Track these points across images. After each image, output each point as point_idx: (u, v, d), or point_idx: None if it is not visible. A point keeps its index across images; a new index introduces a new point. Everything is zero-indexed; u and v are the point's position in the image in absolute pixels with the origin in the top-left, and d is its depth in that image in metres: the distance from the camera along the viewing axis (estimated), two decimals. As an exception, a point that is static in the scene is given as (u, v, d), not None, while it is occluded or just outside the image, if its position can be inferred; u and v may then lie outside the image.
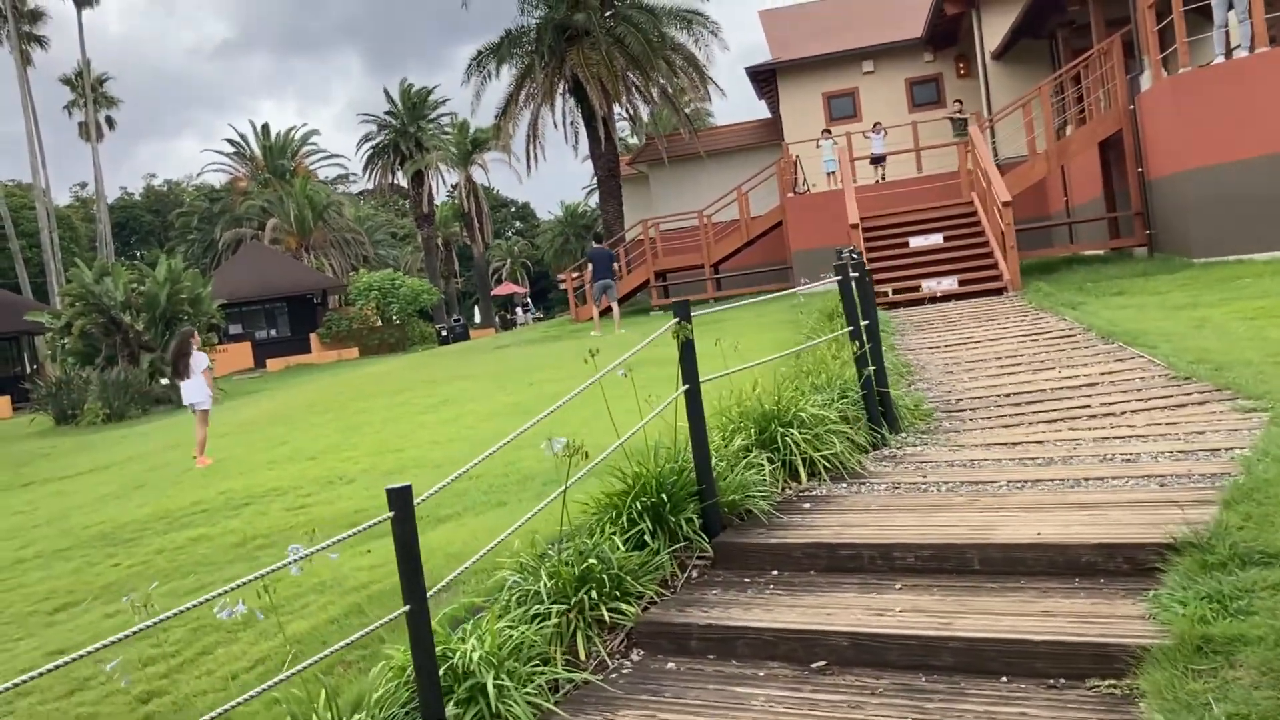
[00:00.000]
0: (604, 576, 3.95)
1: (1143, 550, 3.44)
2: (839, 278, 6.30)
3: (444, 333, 42.30)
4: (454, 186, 60.83)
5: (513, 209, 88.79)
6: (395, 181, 58.54)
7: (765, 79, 29.60)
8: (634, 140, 46.33)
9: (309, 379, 30.19)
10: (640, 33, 28.32)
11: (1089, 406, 6.21)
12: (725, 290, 27.54)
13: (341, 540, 3.28)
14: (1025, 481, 4.51)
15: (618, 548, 4.11)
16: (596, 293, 22.86)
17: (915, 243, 16.34)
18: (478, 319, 59.24)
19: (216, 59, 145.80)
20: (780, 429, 5.06)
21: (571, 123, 31.01)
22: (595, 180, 32.42)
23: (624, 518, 4.28)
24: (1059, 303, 12.11)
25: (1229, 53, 14.73)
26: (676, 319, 4.47)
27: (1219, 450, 4.51)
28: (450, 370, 19.35)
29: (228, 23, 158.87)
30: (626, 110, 31.07)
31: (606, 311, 22.99)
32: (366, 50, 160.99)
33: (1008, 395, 7.08)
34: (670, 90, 29.90)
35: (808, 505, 4.61)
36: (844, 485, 4.92)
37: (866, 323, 6.14)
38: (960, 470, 4.91)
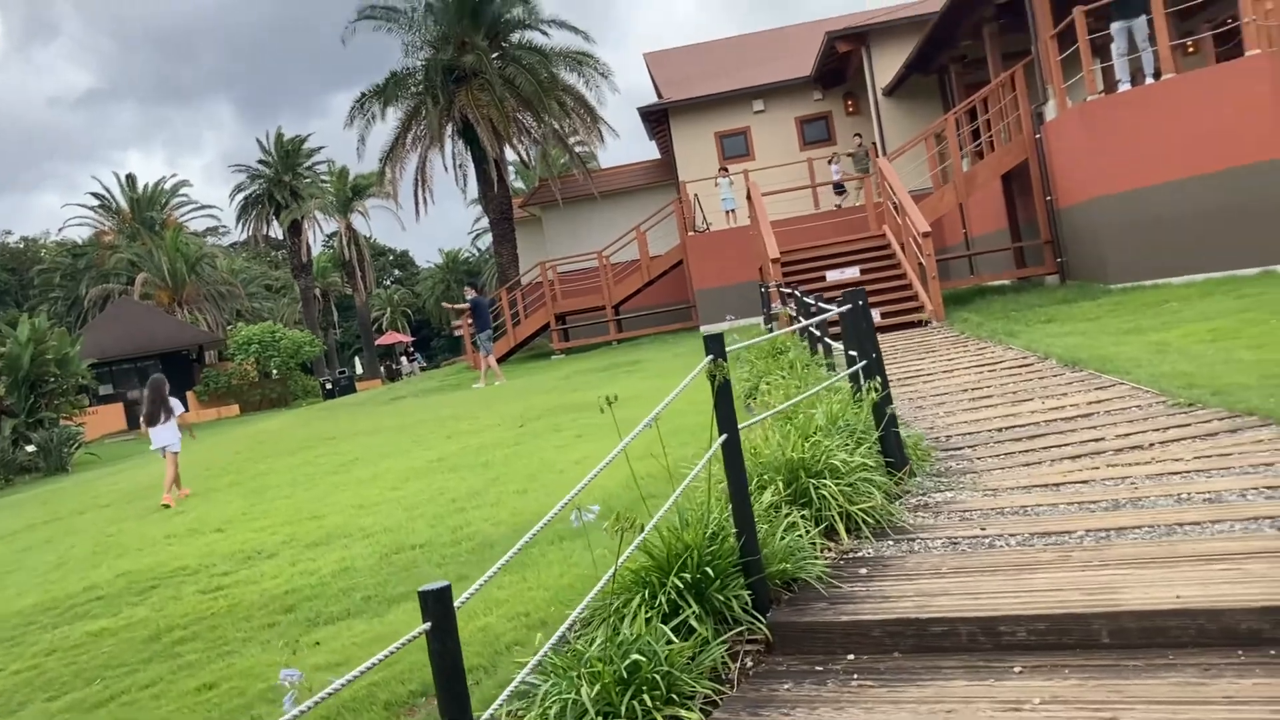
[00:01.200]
0: (655, 675, 3.22)
1: (1321, 613, 2.90)
2: (847, 306, 5.71)
3: (329, 386, 40.66)
4: (332, 235, 59.15)
5: (390, 257, 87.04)
6: (270, 233, 56.63)
7: (657, 119, 29.38)
8: (520, 185, 45.75)
9: (191, 440, 28.41)
10: (531, 74, 27.80)
11: (1104, 439, 5.76)
12: (627, 331, 27.04)
13: (359, 674, 2.48)
14: (1107, 530, 3.96)
15: (663, 635, 3.39)
16: (486, 342, 22.19)
17: (833, 276, 16.04)
18: (359, 370, 57.41)
19: (80, 109, 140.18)
20: (811, 480, 4.42)
21: (460, 165, 30.27)
22: (487, 224, 31.69)
23: (661, 598, 3.56)
24: (993, 332, 11.86)
25: (1134, 80, 14.90)
26: (711, 356, 3.80)
27: (1311, 484, 4.05)
28: (348, 426, 18.24)
29: (93, 72, 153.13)
30: (518, 151, 30.45)
31: (499, 360, 22.31)
32: (239, 99, 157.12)
33: (1000, 430, 6.60)
34: (562, 131, 29.39)
35: (864, 570, 3.96)
36: (890, 543, 4.30)
37: (875, 355, 5.57)
38: (1018, 520, 4.33)
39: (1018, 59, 17.57)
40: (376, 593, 5.94)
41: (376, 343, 60.51)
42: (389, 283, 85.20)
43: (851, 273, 16.07)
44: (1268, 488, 4.11)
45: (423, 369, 51.27)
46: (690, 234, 25.35)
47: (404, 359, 56.67)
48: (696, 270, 25.04)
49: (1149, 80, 14.51)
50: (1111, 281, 14.73)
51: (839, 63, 26.41)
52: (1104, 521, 4.07)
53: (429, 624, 2.38)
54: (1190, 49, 21.02)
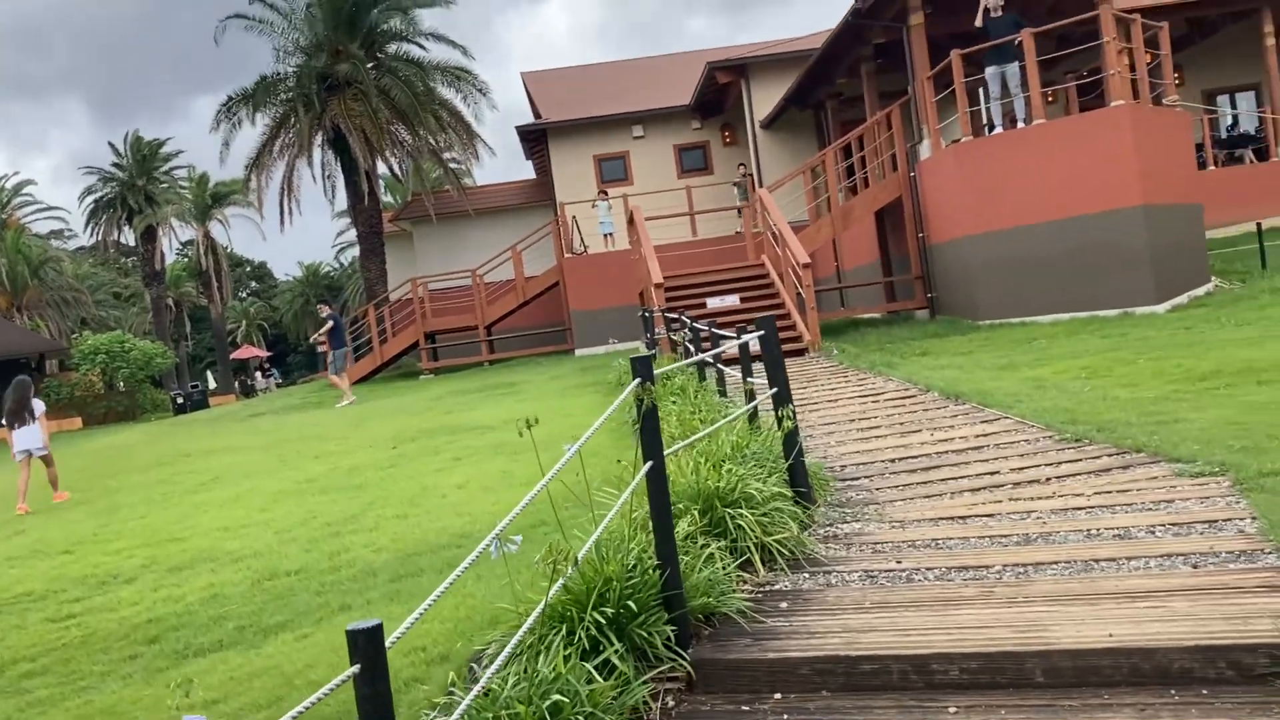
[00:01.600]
0: (577, 717, 3.02)
1: (1252, 654, 2.90)
2: (761, 332, 5.63)
3: (180, 400, 38.88)
4: (187, 243, 56.90)
5: (248, 268, 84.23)
6: (121, 238, 54.08)
7: (535, 139, 29.20)
8: (391, 199, 44.86)
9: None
10: (407, 86, 27.29)
11: (999, 473, 5.81)
12: (500, 352, 26.67)
13: None
14: (1024, 565, 3.94)
15: (584, 674, 3.19)
16: (342, 360, 21.72)
17: (713, 304, 16.09)
18: (213, 384, 55.19)
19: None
20: (727, 510, 4.28)
21: (329, 176, 29.45)
22: (352, 237, 30.91)
23: (580, 633, 3.36)
24: (872, 363, 12.04)
25: (1005, 124, 15.44)
26: (638, 380, 3.63)
27: (1215, 522, 4.11)
28: (206, 442, 17.40)
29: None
30: (390, 165, 29.82)
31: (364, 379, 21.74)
32: (93, 98, 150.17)
33: (894, 461, 6.62)
34: (437, 146, 28.92)
35: (784, 604, 3.84)
36: (807, 575, 4.19)
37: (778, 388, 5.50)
38: (932, 553, 4.29)
39: (894, 98, 18.05)
40: (250, 622, 5.55)
41: (231, 356, 58.36)
42: (245, 295, 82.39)
43: (731, 300, 16.15)
44: (1173, 524, 4.17)
45: (279, 385, 49.62)
46: (568, 256, 25.19)
47: (259, 374, 54.78)
48: (574, 292, 24.89)
49: (1020, 124, 15.06)
50: (981, 318, 15.18)
51: (718, 93, 26.75)
52: (1019, 556, 4.05)
53: (358, 666, 2.14)
54: (1050, 99, 22.00)
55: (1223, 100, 27.86)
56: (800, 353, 14.55)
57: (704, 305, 16.19)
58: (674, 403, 8.56)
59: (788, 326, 15.35)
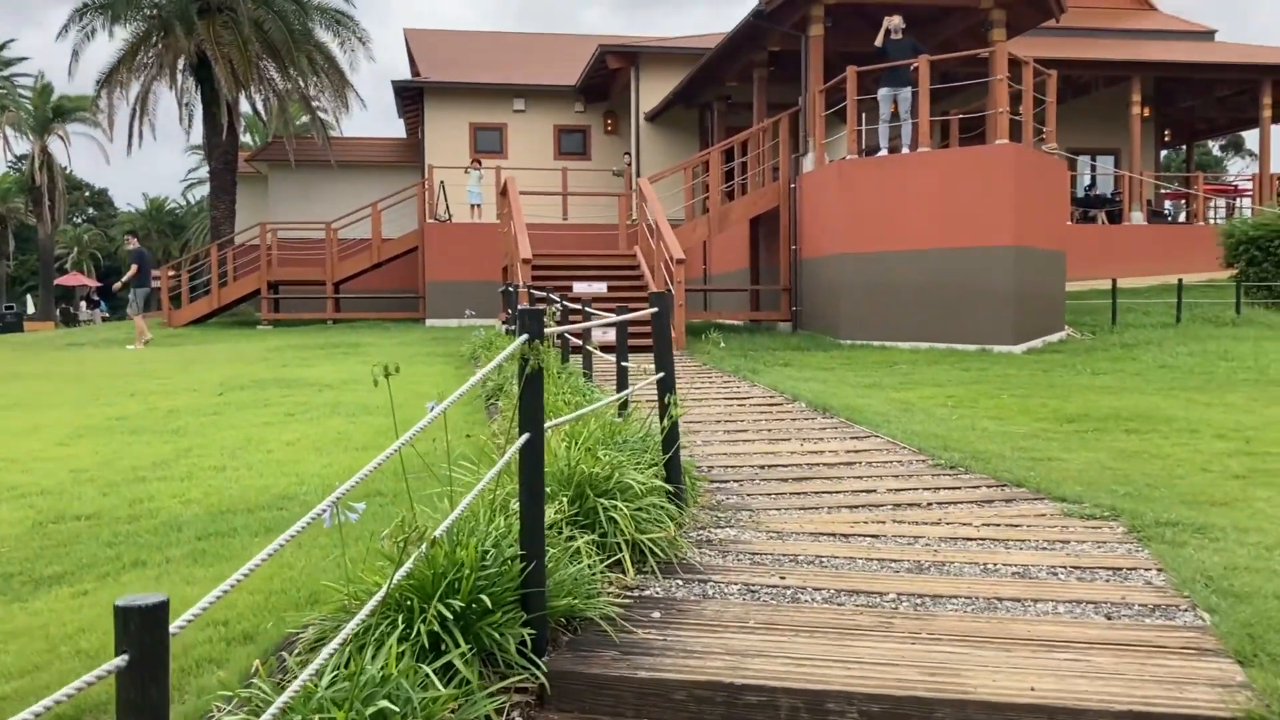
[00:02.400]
0: (407, 732, 2.47)
1: (1192, 725, 2.56)
2: (654, 309, 5.14)
3: (-10, 319, 36.04)
4: (21, 157, 52.97)
5: (87, 193, 79.19)
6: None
7: (411, 98, 28.11)
8: (249, 140, 42.73)
9: None
10: (283, 21, 25.80)
11: (876, 491, 5.49)
12: (346, 312, 25.55)
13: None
14: (922, 596, 3.56)
15: (421, 677, 2.64)
16: (143, 300, 20.46)
17: (580, 288, 15.57)
18: (31, 309, 51.54)
19: None
20: (600, 500, 3.78)
21: (187, 104, 27.66)
22: (204, 175, 29.15)
23: (420, 628, 2.80)
24: (737, 368, 11.75)
25: (892, 147, 15.44)
26: (526, 337, 3.09)
27: (1120, 570, 3.83)
28: (9, 367, 15.92)
29: None
30: (253, 103, 28.22)
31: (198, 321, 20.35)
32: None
33: (764, 468, 6.25)
34: (307, 90, 27.50)
35: (657, 614, 3.35)
36: (680, 583, 3.72)
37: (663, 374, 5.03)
38: (818, 572, 3.88)
39: (781, 110, 17.89)
40: (21, 569, 4.76)
41: (56, 282, 54.62)
42: (80, 220, 77.49)
43: (599, 288, 15.67)
44: (1074, 567, 3.87)
45: (105, 319, 46.69)
46: (430, 221, 24.27)
47: (84, 305, 51.49)
48: (432, 260, 24.00)
49: (906, 149, 15.07)
50: (842, 337, 15.11)
51: (606, 78, 26.24)
52: (915, 585, 3.68)
53: (126, 657, 1.55)
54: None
55: (1083, 160, 29.00)
56: (662, 349, 14.17)
57: (570, 289, 15.66)
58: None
59: (652, 321, 14.96)
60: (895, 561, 3.98)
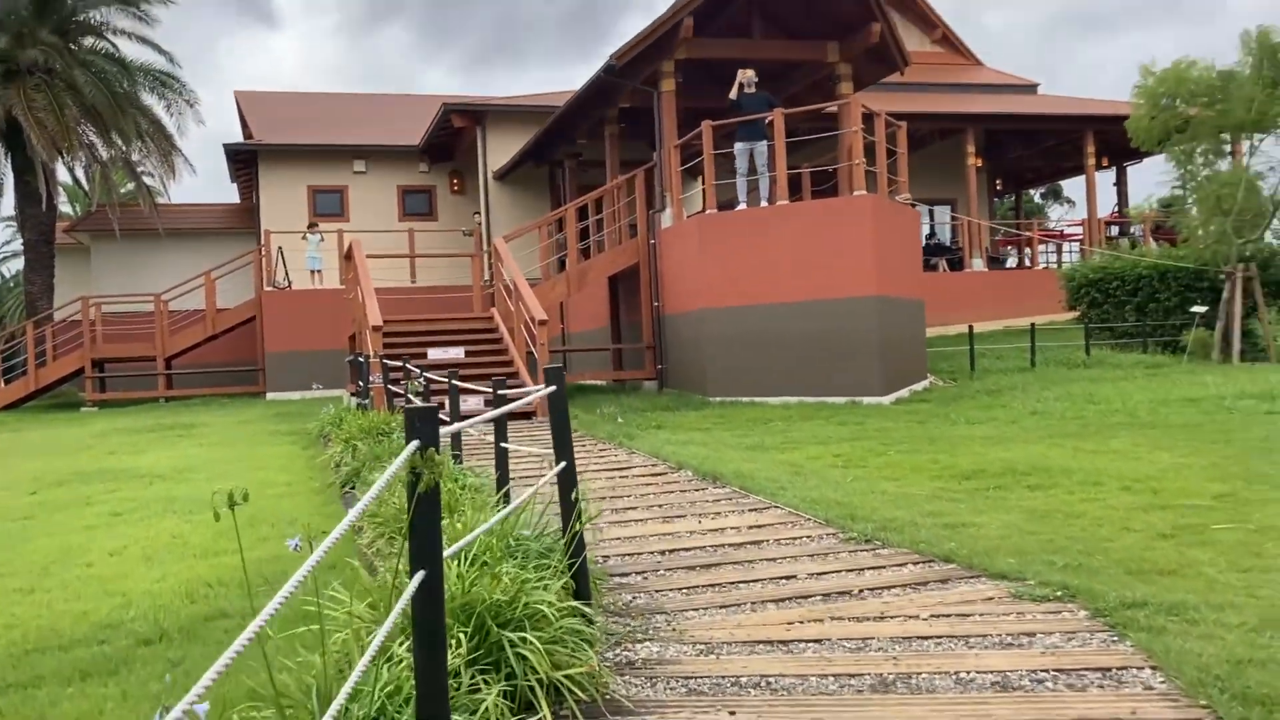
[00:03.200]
0: None
1: None
2: (552, 387, 4.50)
3: None
4: None
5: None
6: None
7: (244, 161, 26.83)
8: (68, 209, 40.23)
9: None
10: (104, 83, 24.25)
11: (797, 577, 4.95)
12: (181, 389, 23.90)
13: None
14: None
15: None
16: None
17: (435, 355, 14.76)
18: None
19: None
20: (507, 635, 3.09)
21: (-3, 173, 25.67)
22: (18, 247, 27.10)
23: None
24: (611, 434, 11.16)
25: (750, 201, 15.25)
26: (416, 445, 2.40)
27: (1109, 671, 3.35)
28: None
29: None
30: (72, 170, 26.43)
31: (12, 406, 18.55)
32: None
33: (664, 554, 5.65)
34: (132, 156, 25.89)
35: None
36: (610, 729, 3.05)
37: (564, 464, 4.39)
38: (770, 700, 3.27)
39: (634, 167, 17.58)
40: None
41: None
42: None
43: (456, 353, 14.89)
44: (1059, 671, 3.38)
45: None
46: (268, 289, 22.99)
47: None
48: (271, 330, 22.70)
49: (764, 203, 14.89)
50: (711, 394, 14.73)
51: (451, 137, 25.61)
52: (888, 710, 3.11)
53: None
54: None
55: (922, 210, 29.83)
56: (528, 415, 13.48)
57: (425, 355, 14.83)
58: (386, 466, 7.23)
59: (515, 387, 14.26)
60: (854, 677, 3.42)
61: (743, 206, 15.18)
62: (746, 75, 14.87)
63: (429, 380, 9.10)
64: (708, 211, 15.24)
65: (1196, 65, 17.32)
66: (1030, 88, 30.94)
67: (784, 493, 7.24)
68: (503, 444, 5.71)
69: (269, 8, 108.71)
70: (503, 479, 5.70)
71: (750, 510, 6.77)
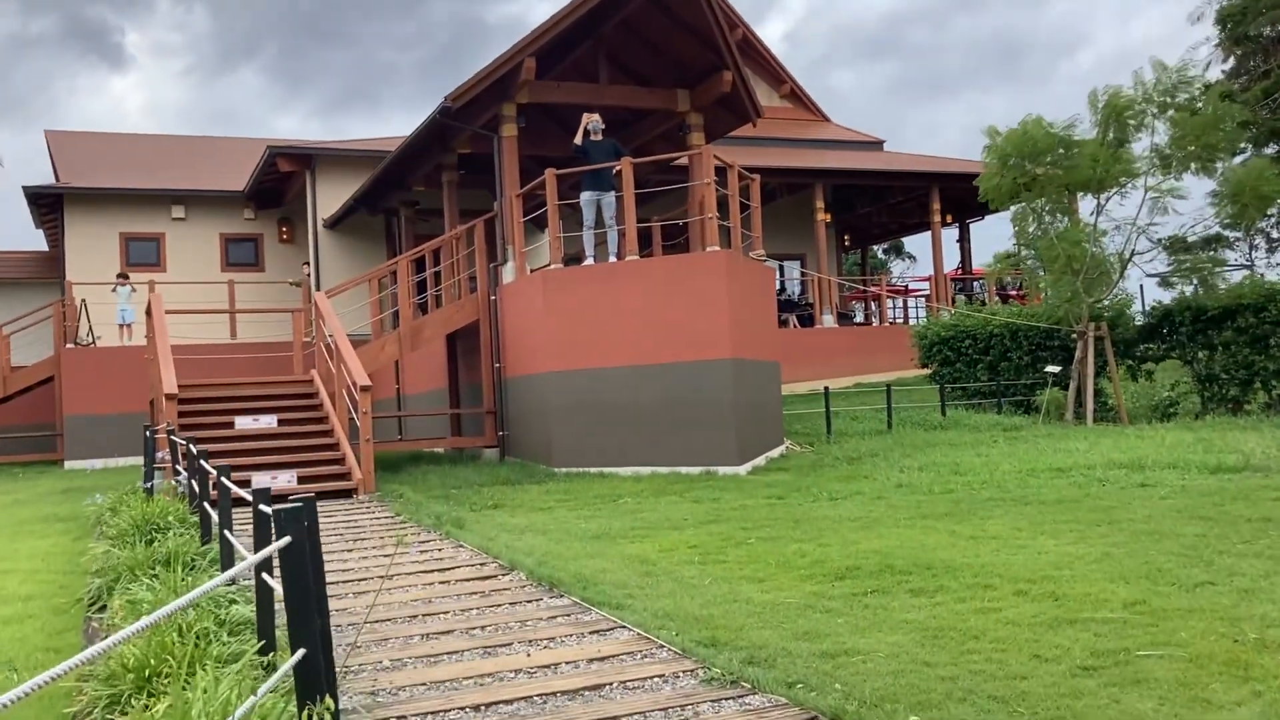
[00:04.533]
0: None
1: None
2: (286, 540, 3.22)
3: None
4: None
5: None
6: None
7: (49, 206, 24.47)
8: None
9: None
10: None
11: (647, 750, 3.80)
12: (-37, 458, 21.33)
13: None
14: None
15: None
16: None
17: (243, 424, 13.16)
18: None
19: None
20: None
21: None
22: None
23: None
24: (438, 518, 9.82)
25: (598, 256, 14.25)
26: None
27: None
28: None
29: None
30: None
31: None
32: None
33: (482, 709, 4.42)
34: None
35: None
36: None
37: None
38: None
39: (475, 216, 16.38)
40: None
41: None
42: None
43: (268, 421, 13.31)
44: None
45: None
46: (69, 346, 20.75)
47: None
48: (71, 392, 20.44)
49: (613, 258, 13.89)
50: (556, 464, 13.54)
51: (279, 183, 23.91)
52: None
53: None
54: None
55: (771, 265, 29.50)
56: (348, 494, 12.01)
57: (232, 425, 13.21)
58: (152, 583, 5.81)
59: (335, 460, 12.78)
60: None
61: (590, 261, 14.15)
62: (592, 120, 13.93)
63: (202, 456, 7.63)
64: (552, 266, 14.14)
65: (1040, 124, 17.25)
66: (877, 144, 31.14)
67: (632, 603, 6.12)
68: (266, 577, 4.39)
69: (115, 49, 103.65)
70: (268, 641, 4.36)
71: (592, 632, 5.60)
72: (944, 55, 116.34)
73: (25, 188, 23.37)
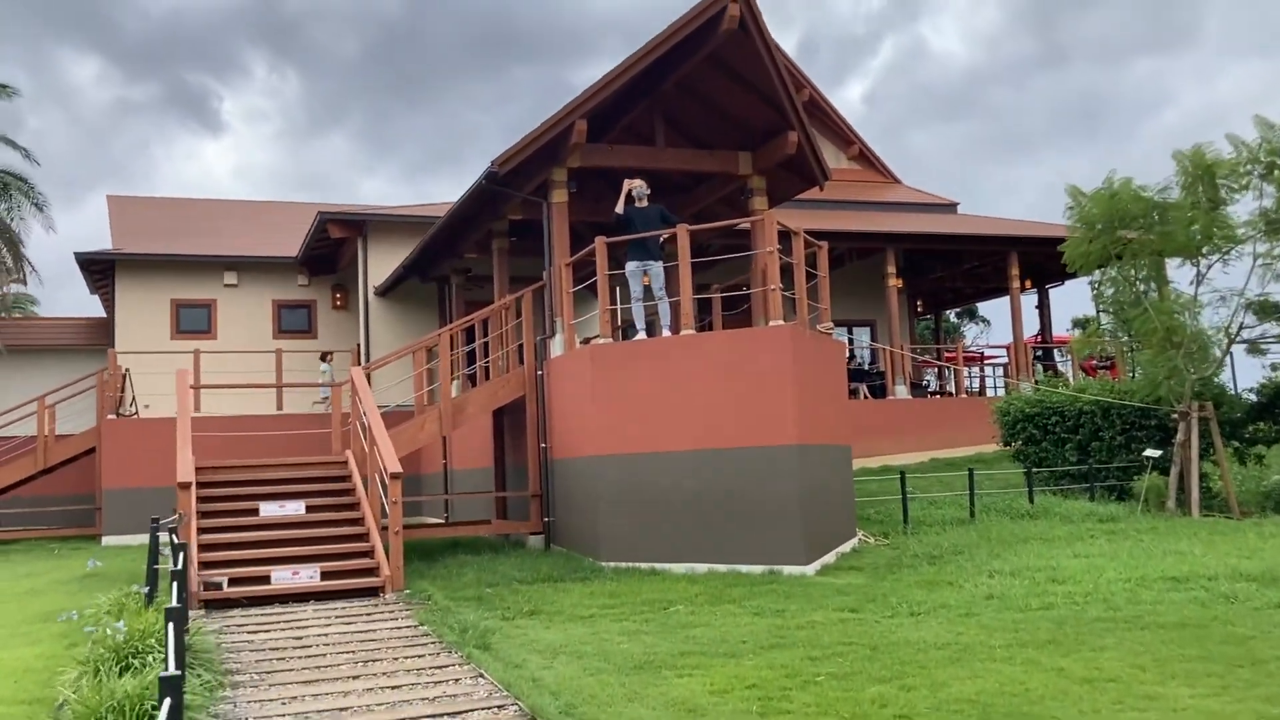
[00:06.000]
0: None
1: None
2: None
3: None
4: None
5: None
6: None
7: (101, 272, 24.18)
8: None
9: None
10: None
11: None
12: (8, 527, 20.86)
13: None
14: None
15: None
16: None
17: (268, 511, 12.23)
18: None
19: None
20: None
21: None
22: None
23: None
24: (462, 629, 8.71)
25: (650, 329, 13.21)
26: None
27: None
28: None
29: None
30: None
31: None
32: None
33: None
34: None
35: None
36: None
37: None
38: None
39: (527, 283, 15.46)
40: None
41: None
42: None
43: (294, 508, 12.37)
44: None
45: None
46: (111, 417, 20.17)
47: None
48: (111, 464, 19.81)
49: (666, 331, 12.83)
50: (604, 558, 12.37)
51: (331, 249, 23.39)
52: None
53: None
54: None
55: (840, 333, 28.21)
56: (374, 592, 10.95)
57: (257, 511, 12.29)
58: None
59: (364, 552, 11.76)
60: None
61: (641, 335, 13.09)
62: (636, 185, 12.98)
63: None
64: (600, 340, 13.11)
65: (1129, 187, 15.93)
66: (950, 206, 29.89)
67: (672, 779, 4.91)
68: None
69: (213, 115, 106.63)
70: None
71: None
72: (1024, 115, 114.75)
73: (77, 254, 23.08)
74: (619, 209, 13.06)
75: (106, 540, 19.39)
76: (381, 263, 21.75)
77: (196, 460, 13.17)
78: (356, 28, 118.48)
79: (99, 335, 25.58)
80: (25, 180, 23.83)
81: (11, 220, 23.73)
